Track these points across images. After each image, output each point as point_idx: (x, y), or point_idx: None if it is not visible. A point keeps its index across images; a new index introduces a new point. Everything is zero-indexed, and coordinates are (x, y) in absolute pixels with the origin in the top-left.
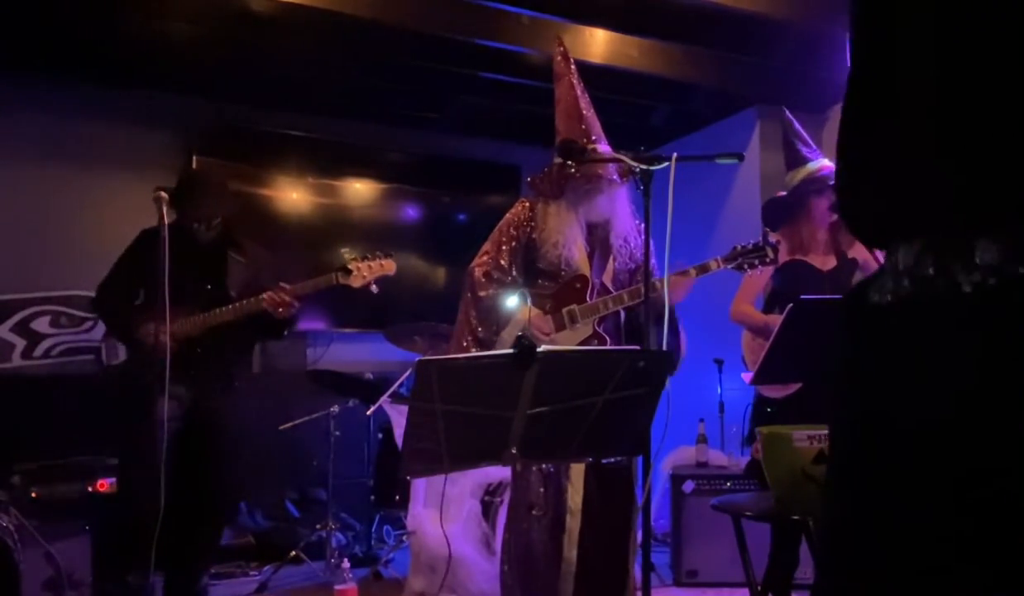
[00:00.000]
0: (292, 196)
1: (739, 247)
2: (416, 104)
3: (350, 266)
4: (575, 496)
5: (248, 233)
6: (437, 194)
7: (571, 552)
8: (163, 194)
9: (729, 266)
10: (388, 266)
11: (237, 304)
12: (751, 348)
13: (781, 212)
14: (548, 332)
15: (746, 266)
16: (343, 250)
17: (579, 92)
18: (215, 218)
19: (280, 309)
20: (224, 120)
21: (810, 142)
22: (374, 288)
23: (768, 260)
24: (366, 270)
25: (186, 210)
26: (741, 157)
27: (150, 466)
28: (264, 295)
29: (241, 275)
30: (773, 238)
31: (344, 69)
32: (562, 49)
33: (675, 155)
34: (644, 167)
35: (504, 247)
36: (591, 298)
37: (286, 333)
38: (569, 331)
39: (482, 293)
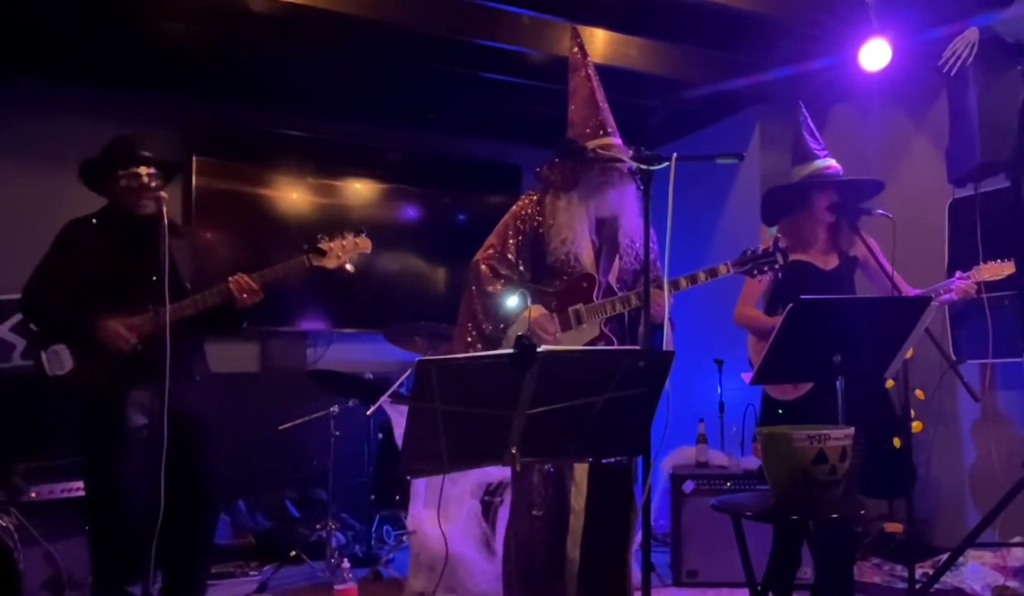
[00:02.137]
0: (292, 196)
1: (749, 252)
2: (416, 104)
3: (323, 246)
4: (578, 497)
5: (249, 233)
6: (437, 194)
7: (574, 552)
8: (163, 194)
9: (739, 271)
10: (363, 244)
11: (199, 296)
12: (756, 349)
13: (781, 203)
14: (553, 332)
15: (755, 271)
16: (319, 235)
17: (595, 85)
18: (156, 188)
19: (245, 296)
20: (224, 120)
21: (820, 139)
22: (350, 268)
23: (778, 266)
24: (340, 249)
25: (117, 186)
26: (741, 157)
27: (124, 479)
28: (230, 282)
29: (186, 261)
30: (782, 245)
31: (344, 69)
32: (578, 40)
33: (675, 155)
34: (644, 167)
35: (511, 240)
36: (598, 298)
37: (244, 326)
38: (575, 331)
39: (489, 288)
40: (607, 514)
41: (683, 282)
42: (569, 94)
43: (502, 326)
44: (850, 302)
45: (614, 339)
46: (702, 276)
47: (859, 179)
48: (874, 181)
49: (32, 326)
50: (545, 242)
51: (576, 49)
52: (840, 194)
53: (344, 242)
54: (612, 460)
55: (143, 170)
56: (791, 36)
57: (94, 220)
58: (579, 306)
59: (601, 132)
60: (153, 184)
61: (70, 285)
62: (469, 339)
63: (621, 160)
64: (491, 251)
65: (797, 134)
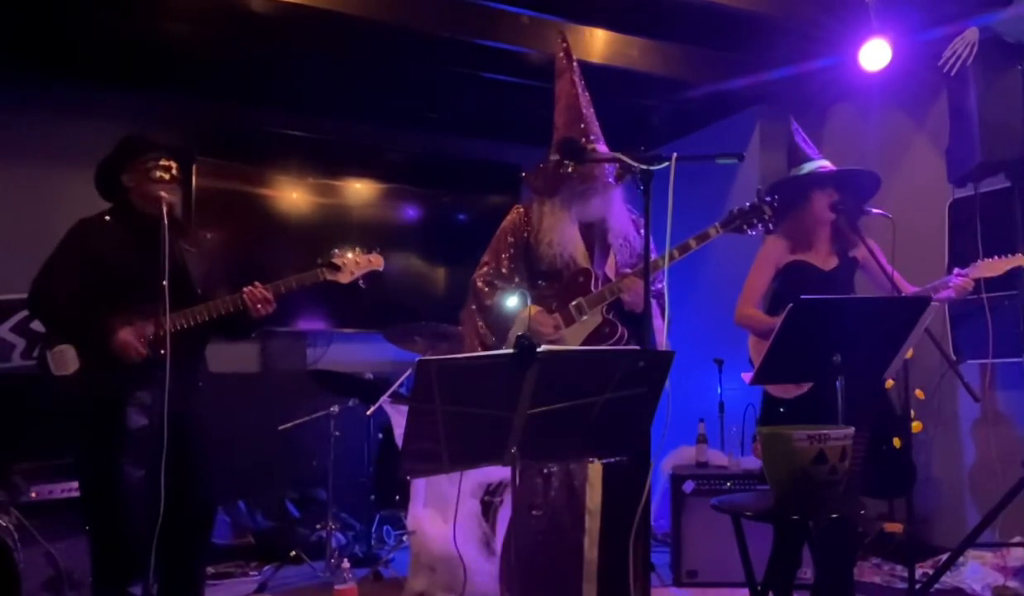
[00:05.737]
0: (292, 196)
1: (735, 210)
2: (416, 104)
3: (337, 261)
4: (594, 496)
5: (249, 233)
6: (437, 194)
7: (592, 552)
8: (164, 194)
9: (728, 230)
10: (376, 261)
11: (213, 302)
12: (757, 349)
13: (782, 202)
14: (554, 327)
15: (746, 227)
16: (333, 250)
17: (579, 90)
18: (170, 180)
19: (259, 306)
20: (224, 120)
21: (813, 145)
22: (362, 284)
23: (767, 218)
24: (353, 266)
25: (129, 180)
26: (741, 157)
27: (125, 480)
28: (244, 292)
29: (196, 267)
30: (765, 195)
31: (344, 69)
32: (564, 45)
33: (675, 155)
34: (644, 167)
35: (504, 255)
36: (596, 289)
37: (253, 334)
38: (578, 324)
39: (487, 302)
40: (622, 512)
41: (675, 253)
42: (555, 99)
43: (504, 335)
44: (850, 302)
45: (618, 323)
46: (693, 243)
47: (857, 170)
48: (871, 173)
49: (39, 323)
50: (534, 248)
51: (562, 54)
52: (840, 191)
53: (358, 258)
54: (612, 461)
55: (156, 160)
56: (791, 36)
57: (107, 218)
58: (579, 299)
59: (583, 139)
60: (166, 176)
61: (79, 284)
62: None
63: (619, 160)
64: (486, 268)
65: (790, 142)
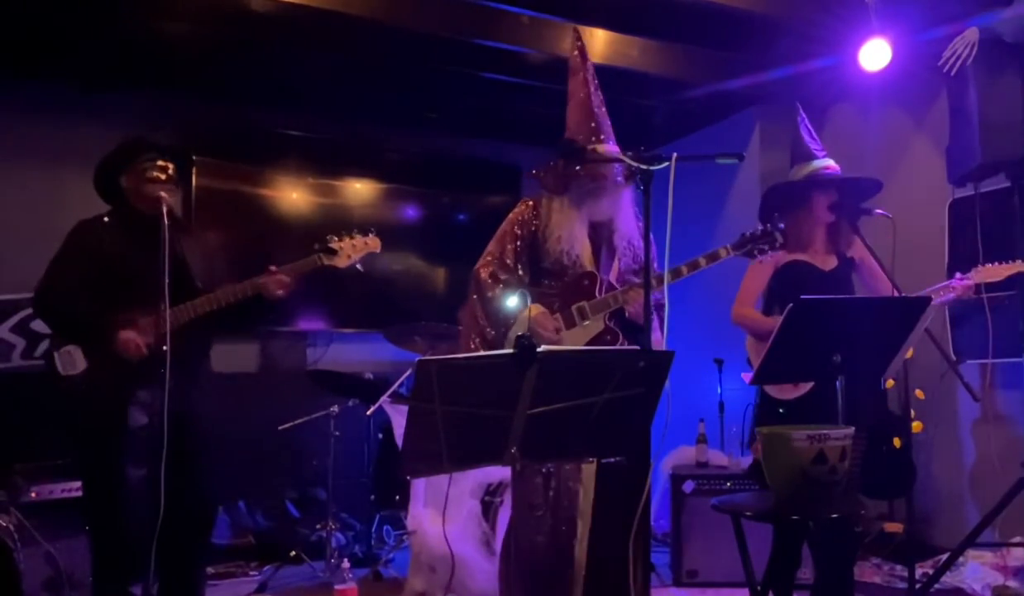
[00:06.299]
0: (292, 196)
1: (747, 234)
2: (416, 104)
3: (333, 246)
4: (586, 499)
5: (249, 233)
6: (437, 194)
7: (581, 556)
8: (164, 194)
9: (739, 253)
10: (373, 243)
11: (220, 291)
12: (755, 349)
13: (781, 202)
14: (554, 329)
15: (756, 252)
16: (329, 235)
17: (592, 89)
18: (167, 180)
19: (280, 291)
20: (224, 120)
21: (818, 139)
22: (360, 267)
23: (777, 245)
24: (350, 249)
25: (128, 181)
26: (741, 157)
27: (126, 479)
28: (261, 279)
29: (197, 265)
30: (779, 223)
31: (344, 69)
32: (580, 44)
33: (675, 155)
34: (644, 167)
35: (509, 246)
36: (600, 295)
37: (261, 322)
38: (579, 328)
39: (489, 293)
40: (622, 512)
41: (683, 270)
42: (567, 96)
43: (503, 329)
44: (850, 302)
45: (619, 332)
46: (702, 261)
47: (859, 178)
48: (873, 180)
49: (46, 326)
50: (541, 243)
51: (576, 52)
52: (840, 194)
53: (354, 241)
54: (612, 461)
55: (153, 161)
56: (791, 36)
57: (106, 219)
58: (582, 303)
59: (594, 138)
60: (163, 177)
61: (83, 285)
62: (472, 346)
63: (618, 160)
64: (490, 258)
65: (795, 134)
